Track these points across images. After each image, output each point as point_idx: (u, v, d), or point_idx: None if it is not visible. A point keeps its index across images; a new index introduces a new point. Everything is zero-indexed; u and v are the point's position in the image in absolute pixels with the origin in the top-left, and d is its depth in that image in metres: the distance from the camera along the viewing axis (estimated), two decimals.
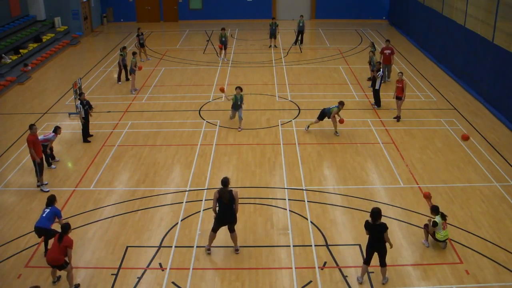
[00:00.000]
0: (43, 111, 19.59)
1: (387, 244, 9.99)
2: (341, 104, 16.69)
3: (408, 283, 10.21)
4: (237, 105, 17.30)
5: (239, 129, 17.34)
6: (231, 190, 10.62)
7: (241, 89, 17.34)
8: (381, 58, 21.77)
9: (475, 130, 17.34)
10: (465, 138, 13.60)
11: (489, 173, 14.41)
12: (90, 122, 16.89)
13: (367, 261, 10.12)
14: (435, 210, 11.18)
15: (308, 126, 17.22)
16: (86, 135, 16.72)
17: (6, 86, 21.94)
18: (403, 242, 11.44)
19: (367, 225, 10.02)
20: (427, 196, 11.56)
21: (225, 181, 10.66)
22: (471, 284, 10.17)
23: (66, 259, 9.87)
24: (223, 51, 25.75)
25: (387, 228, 9.86)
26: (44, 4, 30.90)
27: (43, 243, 11.24)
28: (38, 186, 13.89)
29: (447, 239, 11.21)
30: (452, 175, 14.36)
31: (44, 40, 28.20)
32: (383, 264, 10.11)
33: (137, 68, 20.91)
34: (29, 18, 29.67)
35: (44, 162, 14.96)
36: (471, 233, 11.74)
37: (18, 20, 28.52)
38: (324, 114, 16.86)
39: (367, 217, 12.00)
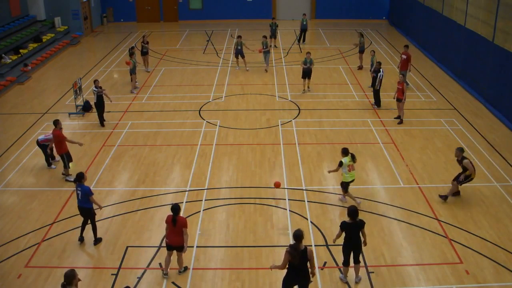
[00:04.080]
0: (43, 111, 19.59)
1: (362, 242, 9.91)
2: None
3: (408, 283, 10.20)
4: (267, 51, 23.85)
5: (266, 70, 24.07)
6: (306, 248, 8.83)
7: (266, 37, 24.09)
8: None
9: (475, 130, 17.34)
10: (277, 185, 12.97)
11: (489, 173, 14.40)
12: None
13: (346, 262, 10.05)
14: (343, 151, 12.42)
15: (306, 89, 21.14)
16: (102, 119, 17.92)
17: (6, 86, 21.95)
18: (403, 242, 11.43)
19: (345, 225, 9.75)
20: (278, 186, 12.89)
21: (298, 235, 8.74)
22: (471, 284, 10.17)
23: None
24: (243, 59, 24.13)
25: (364, 223, 9.80)
26: (44, 4, 30.92)
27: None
28: (63, 175, 14.42)
29: (352, 180, 12.52)
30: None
31: (44, 40, 28.20)
32: (357, 261, 10.03)
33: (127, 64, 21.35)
34: (29, 18, 29.67)
35: (45, 161, 15.05)
36: (471, 233, 11.74)
37: (18, 20, 28.52)
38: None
39: (367, 217, 12.08)
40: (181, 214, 12.52)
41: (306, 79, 21.00)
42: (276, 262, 10.73)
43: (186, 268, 10.51)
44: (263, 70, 24.24)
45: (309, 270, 8.87)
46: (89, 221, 11.51)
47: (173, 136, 17.03)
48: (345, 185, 12.68)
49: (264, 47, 23.83)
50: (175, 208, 9.90)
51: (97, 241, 11.52)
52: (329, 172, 13.09)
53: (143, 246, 11.39)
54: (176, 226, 9.88)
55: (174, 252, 10.22)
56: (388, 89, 20.92)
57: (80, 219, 12.34)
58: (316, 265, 10.67)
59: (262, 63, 24.98)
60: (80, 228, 11.63)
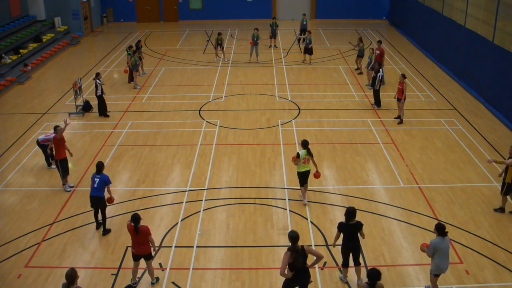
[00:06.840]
0: (43, 111, 19.60)
1: (360, 238, 9.82)
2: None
3: (408, 283, 10.20)
4: (255, 42, 24.86)
5: (257, 61, 25.33)
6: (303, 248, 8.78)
7: (257, 30, 25.01)
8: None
9: (475, 130, 17.34)
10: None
11: (489, 173, 14.40)
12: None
13: (345, 264, 10.03)
14: (303, 144, 12.59)
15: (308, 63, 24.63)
16: (102, 110, 18.66)
17: (6, 86, 21.94)
18: (403, 242, 11.43)
19: (342, 226, 9.72)
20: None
21: (294, 237, 8.71)
22: (471, 284, 10.17)
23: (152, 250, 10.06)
24: (222, 51, 25.87)
25: (362, 225, 9.75)
26: (44, 4, 30.91)
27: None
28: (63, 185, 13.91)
29: (306, 170, 12.55)
30: (452, 175, 14.36)
31: (44, 40, 28.20)
32: (357, 263, 10.01)
33: (126, 68, 21.82)
34: (29, 18, 29.68)
35: (45, 161, 15.05)
36: (471, 233, 11.74)
37: (18, 20, 28.53)
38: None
39: (367, 217, 12.10)
40: (183, 214, 12.57)
41: (307, 54, 24.90)
42: (276, 262, 10.76)
43: (158, 279, 10.27)
44: (262, 69, 24.23)
45: (317, 261, 8.93)
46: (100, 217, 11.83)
47: (173, 136, 17.03)
48: (298, 176, 12.81)
49: (255, 39, 24.80)
50: (135, 218, 9.75)
51: (106, 232, 11.79)
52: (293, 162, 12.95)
53: None
54: (139, 235, 9.76)
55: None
56: (388, 89, 20.93)
57: (83, 219, 12.37)
58: (316, 265, 10.68)
59: (263, 63, 25.00)
60: (94, 218, 12.03)
